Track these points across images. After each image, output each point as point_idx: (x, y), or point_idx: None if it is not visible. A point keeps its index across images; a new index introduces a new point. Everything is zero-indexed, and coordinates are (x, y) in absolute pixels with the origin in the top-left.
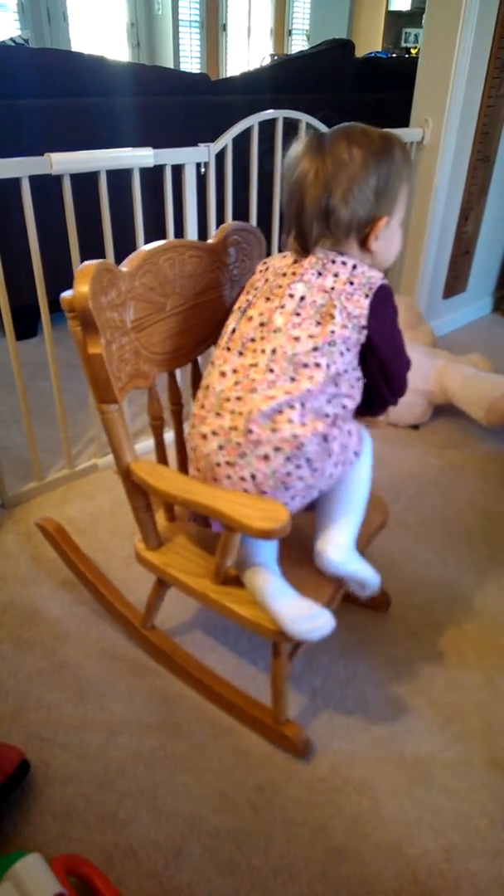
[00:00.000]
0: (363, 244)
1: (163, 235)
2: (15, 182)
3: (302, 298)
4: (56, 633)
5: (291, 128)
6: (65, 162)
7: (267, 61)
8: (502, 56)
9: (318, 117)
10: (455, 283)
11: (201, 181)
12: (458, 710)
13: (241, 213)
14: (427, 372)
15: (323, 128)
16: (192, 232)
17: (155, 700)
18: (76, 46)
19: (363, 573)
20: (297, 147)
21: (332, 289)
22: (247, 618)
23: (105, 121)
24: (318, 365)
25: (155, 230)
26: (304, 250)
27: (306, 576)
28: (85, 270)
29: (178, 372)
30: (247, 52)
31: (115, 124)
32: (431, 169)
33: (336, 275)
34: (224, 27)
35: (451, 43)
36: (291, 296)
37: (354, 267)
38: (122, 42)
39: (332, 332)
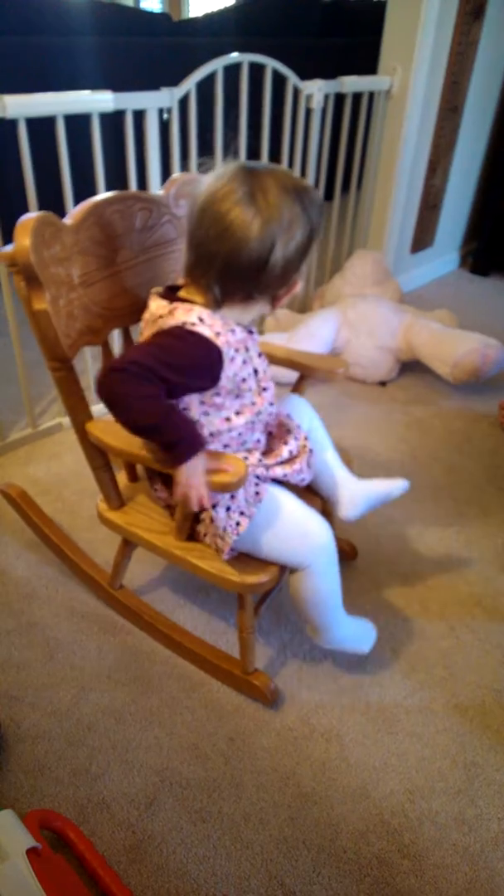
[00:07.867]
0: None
1: (125, 186)
2: None
3: None
4: (23, 594)
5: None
6: (20, 105)
7: (232, 2)
8: (471, 0)
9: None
10: (422, 237)
11: (164, 129)
12: (421, 658)
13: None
14: (394, 328)
15: (290, 74)
16: (155, 183)
17: (125, 657)
18: None
19: (380, 488)
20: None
21: None
22: (211, 572)
23: (60, 62)
24: None
25: (118, 180)
26: None
27: (250, 561)
28: (25, 223)
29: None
30: None
31: (71, 66)
32: (400, 119)
33: None
34: None
35: None
36: None
37: None
38: None
39: None
